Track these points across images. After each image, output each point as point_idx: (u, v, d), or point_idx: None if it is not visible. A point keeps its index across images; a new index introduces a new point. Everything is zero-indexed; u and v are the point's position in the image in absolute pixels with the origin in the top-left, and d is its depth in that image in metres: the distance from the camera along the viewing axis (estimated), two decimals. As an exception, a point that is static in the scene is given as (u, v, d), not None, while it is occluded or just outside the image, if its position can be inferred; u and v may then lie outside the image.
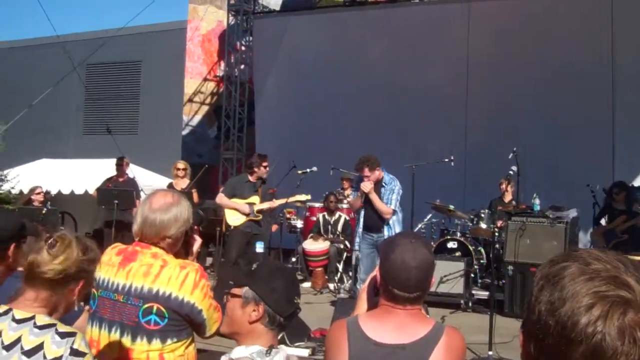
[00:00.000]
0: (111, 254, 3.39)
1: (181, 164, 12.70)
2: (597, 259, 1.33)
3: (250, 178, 10.53)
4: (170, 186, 12.55)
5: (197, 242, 3.60)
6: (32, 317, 2.48)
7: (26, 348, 2.41)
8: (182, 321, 3.22)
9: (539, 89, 14.01)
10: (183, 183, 12.42)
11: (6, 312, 2.49)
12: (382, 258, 2.84)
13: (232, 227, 10.39)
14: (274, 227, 13.27)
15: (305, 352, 7.05)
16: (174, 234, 3.34)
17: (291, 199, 10.92)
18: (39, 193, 13.19)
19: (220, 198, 10.47)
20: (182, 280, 3.22)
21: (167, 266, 3.26)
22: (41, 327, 2.45)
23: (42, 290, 2.54)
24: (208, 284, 3.31)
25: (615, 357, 1.23)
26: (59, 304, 2.58)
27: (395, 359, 2.61)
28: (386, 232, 9.03)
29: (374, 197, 8.99)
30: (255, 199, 10.36)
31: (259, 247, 10.16)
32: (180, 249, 3.47)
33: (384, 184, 9.17)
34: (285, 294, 2.74)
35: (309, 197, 11.05)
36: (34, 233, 3.45)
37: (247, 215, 10.23)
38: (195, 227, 3.68)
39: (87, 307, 3.37)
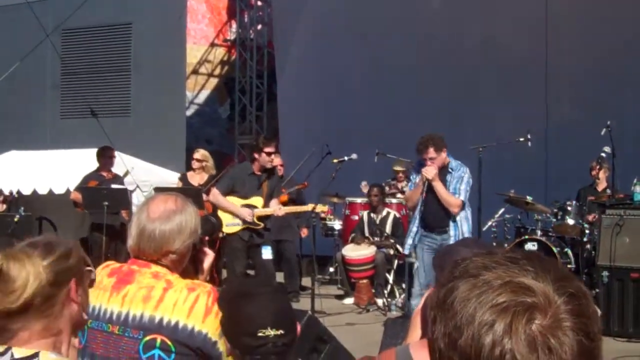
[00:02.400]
0: (102, 275, 3.42)
1: (198, 154, 12.74)
2: (485, 267, 1.37)
3: (254, 169, 10.24)
4: (184, 178, 12.68)
5: (209, 257, 3.65)
6: (36, 355, 2.43)
7: None
8: (193, 356, 3.26)
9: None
10: (200, 178, 12.50)
11: (4, 352, 2.45)
12: (438, 272, 2.90)
13: (225, 235, 10.27)
14: (304, 232, 13.30)
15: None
16: (179, 249, 3.38)
17: (302, 208, 10.88)
18: None
19: (215, 195, 10.22)
20: (190, 306, 3.26)
21: (171, 288, 3.30)
22: None
23: (30, 322, 2.47)
24: (223, 309, 3.35)
25: None
26: (61, 324, 2.53)
27: None
28: (452, 232, 9.07)
29: (438, 185, 8.96)
30: (257, 200, 10.14)
31: (266, 254, 10.07)
32: (188, 266, 3.52)
33: (450, 170, 9.18)
34: (246, 326, 2.86)
35: (324, 208, 10.98)
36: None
37: (246, 223, 10.04)
38: (207, 237, 3.73)
39: (75, 341, 3.42)
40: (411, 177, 9.77)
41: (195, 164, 12.64)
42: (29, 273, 2.43)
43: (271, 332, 2.84)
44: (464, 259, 1.44)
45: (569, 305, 1.31)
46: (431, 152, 8.90)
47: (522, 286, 1.32)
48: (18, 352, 2.44)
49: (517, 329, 1.27)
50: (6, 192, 14.19)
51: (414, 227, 9.33)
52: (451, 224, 9.09)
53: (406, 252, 9.68)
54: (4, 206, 13.53)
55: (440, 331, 1.36)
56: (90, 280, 2.68)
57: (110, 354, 3.28)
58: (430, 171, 8.86)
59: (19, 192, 14.14)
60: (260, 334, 2.83)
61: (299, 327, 3.02)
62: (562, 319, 1.29)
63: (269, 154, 10.09)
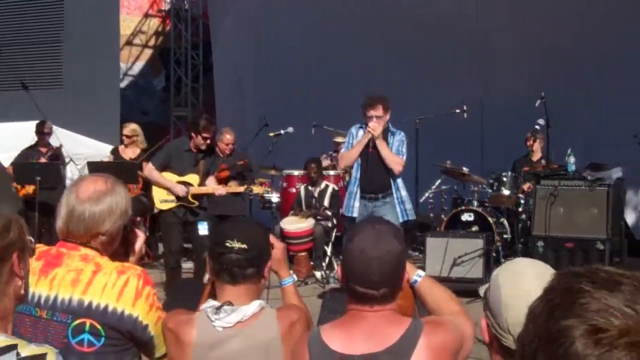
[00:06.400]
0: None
1: (127, 130, 12.68)
2: (609, 309, 1.24)
3: (191, 146, 9.98)
4: (115, 152, 12.61)
5: (140, 238, 3.62)
6: None
7: None
8: (124, 340, 3.24)
9: (574, 15, 13.96)
10: (131, 152, 12.44)
11: None
12: (343, 249, 2.96)
13: (159, 211, 10.09)
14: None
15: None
16: (109, 230, 3.33)
17: (236, 189, 10.79)
18: None
19: (150, 170, 10.00)
20: (120, 289, 3.22)
21: (100, 271, 3.25)
22: None
23: None
24: (154, 292, 3.33)
25: None
26: (7, 303, 2.40)
27: None
28: (395, 194, 9.16)
29: (382, 144, 8.97)
30: (193, 177, 9.95)
31: (202, 229, 9.89)
32: (119, 247, 3.48)
33: (391, 132, 9.22)
34: (218, 236, 3.37)
35: (259, 189, 10.79)
36: None
37: (180, 199, 9.82)
38: (137, 218, 3.69)
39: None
40: (347, 140, 9.68)
41: (125, 140, 12.58)
42: None
43: (236, 244, 3.25)
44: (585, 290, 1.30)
45: None
46: (380, 109, 8.89)
47: None
48: None
49: None
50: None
51: (354, 188, 9.33)
52: (393, 186, 9.13)
53: (354, 214, 9.50)
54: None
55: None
56: (31, 250, 2.57)
57: (39, 338, 3.17)
58: (377, 128, 8.83)
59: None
60: (227, 244, 3.25)
61: (272, 252, 3.54)
62: None
63: (205, 138, 9.82)
